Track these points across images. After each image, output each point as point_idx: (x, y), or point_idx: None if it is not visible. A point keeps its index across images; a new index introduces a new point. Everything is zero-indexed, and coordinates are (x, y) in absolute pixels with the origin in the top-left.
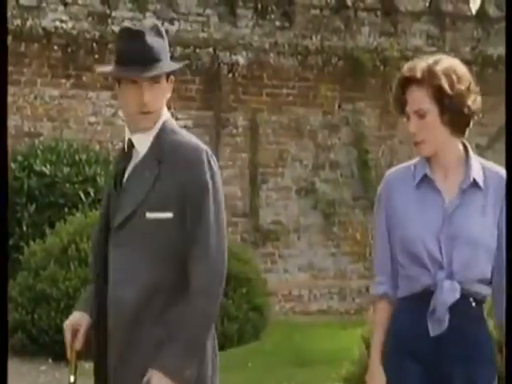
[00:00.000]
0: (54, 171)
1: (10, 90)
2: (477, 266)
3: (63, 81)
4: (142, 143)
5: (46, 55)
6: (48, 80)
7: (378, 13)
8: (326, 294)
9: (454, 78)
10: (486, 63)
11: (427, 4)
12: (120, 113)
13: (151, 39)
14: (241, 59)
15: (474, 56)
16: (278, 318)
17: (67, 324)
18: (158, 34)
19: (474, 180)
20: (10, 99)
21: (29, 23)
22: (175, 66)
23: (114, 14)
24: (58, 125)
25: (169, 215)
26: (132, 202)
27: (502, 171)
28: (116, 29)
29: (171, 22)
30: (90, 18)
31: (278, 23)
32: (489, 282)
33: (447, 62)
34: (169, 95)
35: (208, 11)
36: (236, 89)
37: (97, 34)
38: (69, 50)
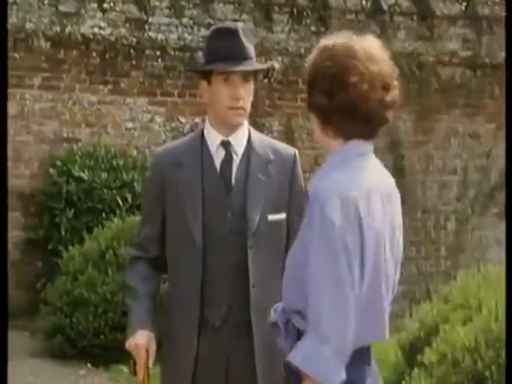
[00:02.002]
0: (92, 176)
1: (49, 95)
2: (287, 295)
3: (101, 87)
4: (238, 144)
5: (85, 62)
6: (86, 86)
7: (414, 17)
8: None
9: (317, 63)
10: None
11: (463, 8)
12: (157, 118)
13: (245, 37)
14: (276, 64)
15: None
16: None
17: (142, 344)
18: (247, 34)
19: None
20: (48, 105)
21: (68, 30)
22: (265, 65)
23: (150, 20)
24: (96, 130)
25: (282, 216)
26: (255, 205)
27: (315, 186)
28: (153, 35)
29: (208, 27)
30: (128, 25)
31: (313, 28)
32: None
33: (328, 44)
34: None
35: (244, 16)
36: (271, 94)
37: (134, 40)
38: (107, 56)
